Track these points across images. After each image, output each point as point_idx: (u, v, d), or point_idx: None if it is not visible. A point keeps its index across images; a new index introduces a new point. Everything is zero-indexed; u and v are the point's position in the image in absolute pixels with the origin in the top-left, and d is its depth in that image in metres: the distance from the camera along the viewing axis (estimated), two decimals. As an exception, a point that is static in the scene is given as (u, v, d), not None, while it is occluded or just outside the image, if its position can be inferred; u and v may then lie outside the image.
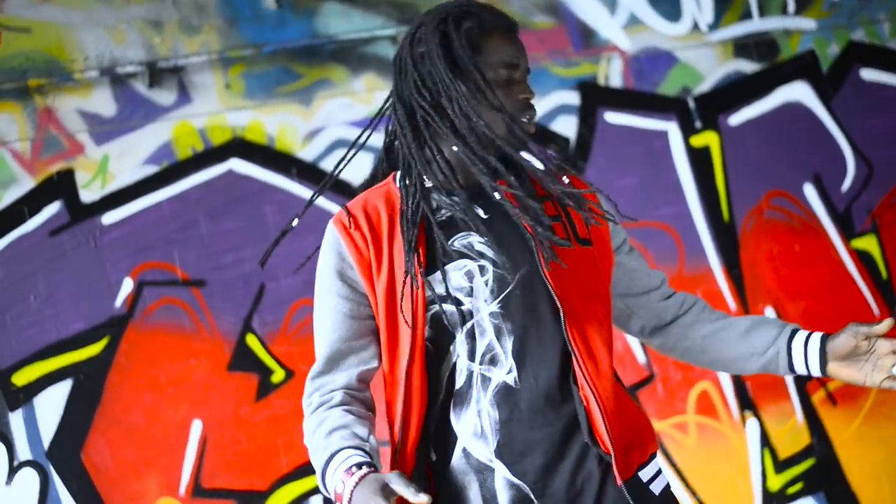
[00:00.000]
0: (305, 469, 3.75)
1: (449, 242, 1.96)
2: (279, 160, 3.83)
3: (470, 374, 1.95)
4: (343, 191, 3.69)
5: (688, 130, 4.06)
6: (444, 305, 1.92)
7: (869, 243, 4.16)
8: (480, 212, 2.00)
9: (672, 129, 4.06)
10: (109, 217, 3.72)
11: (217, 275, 3.74)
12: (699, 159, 4.05)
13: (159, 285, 3.71)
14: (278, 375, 3.75)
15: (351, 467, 1.80)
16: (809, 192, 4.13)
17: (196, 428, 3.68)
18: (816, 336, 2.03)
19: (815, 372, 2.04)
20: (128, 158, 3.74)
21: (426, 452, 1.98)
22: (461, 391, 1.96)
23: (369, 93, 3.89)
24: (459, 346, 1.95)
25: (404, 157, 2.02)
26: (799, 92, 4.18)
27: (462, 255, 1.96)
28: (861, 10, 4.27)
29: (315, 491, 3.76)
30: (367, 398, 2.01)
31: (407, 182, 2.00)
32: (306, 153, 3.85)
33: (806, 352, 2.05)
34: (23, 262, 3.69)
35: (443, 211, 1.99)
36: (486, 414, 1.94)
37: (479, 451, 1.95)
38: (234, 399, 3.72)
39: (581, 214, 1.98)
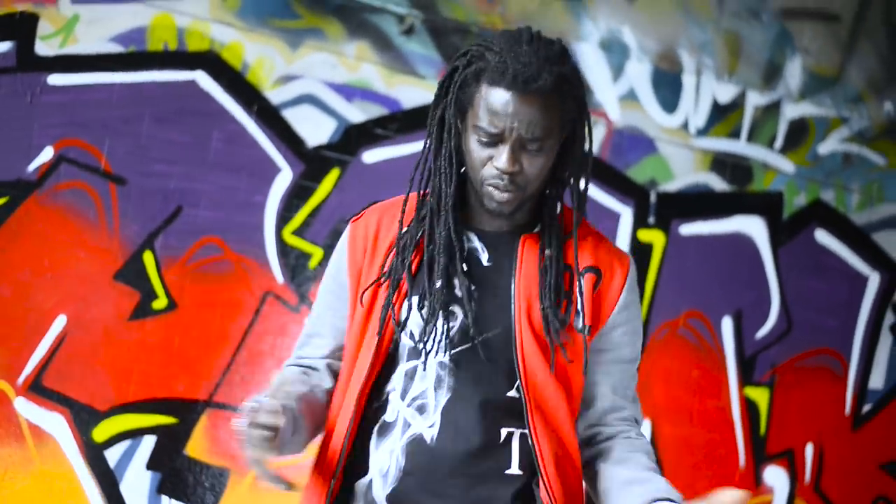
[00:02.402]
0: (148, 406, 4.69)
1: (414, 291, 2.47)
2: (245, 91, 4.82)
3: (397, 413, 2.42)
4: (294, 145, 4.80)
5: (639, 222, 5.20)
6: (401, 337, 2.44)
7: (761, 395, 5.40)
8: (484, 258, 2.50)
9: (626, 214, 5.20)
10: (56, 79, 4.61)
11: (140, 179, 4.65)
12: (639, 254, 5.19)
13: (79, 167, 4.61)
14: (161, 302, 4.67)
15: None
16: (726, 325, 5.35)
17: (59, 323, 4.59)
18: None
19: None
20: (97, 28, 4.62)
21: (339, 470, 2.46)
22: (387, 424, 2.45)
23: (357, 61, 4.87)
24: (396, 380, 2.45)
25: (433, 180, 2.54)
26: (754, 227, 5.45)
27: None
28: (838, 174, 5.57)
29: (148, 431, 4.61)
30: (330, 372, 2.63)
31: (436, 208, 2.49)
32: (274, 95, 4.82)
33: None
34: (-52, 88, 4.45)
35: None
36: (395, 457, 2.40)
37: (377, 490, 2.43)
38: (109, 309, 4.65)
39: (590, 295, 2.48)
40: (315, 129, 4.89)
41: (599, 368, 2.53)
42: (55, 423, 4.55)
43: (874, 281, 5.74)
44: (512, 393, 2.41)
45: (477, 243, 2.51)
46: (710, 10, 5.48)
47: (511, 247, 2.49)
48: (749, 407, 5.50)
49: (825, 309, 5.59)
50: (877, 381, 5.72)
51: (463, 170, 2.50)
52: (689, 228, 5.44)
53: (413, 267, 2.46)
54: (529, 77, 2.32)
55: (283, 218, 4.84)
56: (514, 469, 2.42)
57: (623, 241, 5.25)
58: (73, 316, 4.59)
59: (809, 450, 5.60)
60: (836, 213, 5.69)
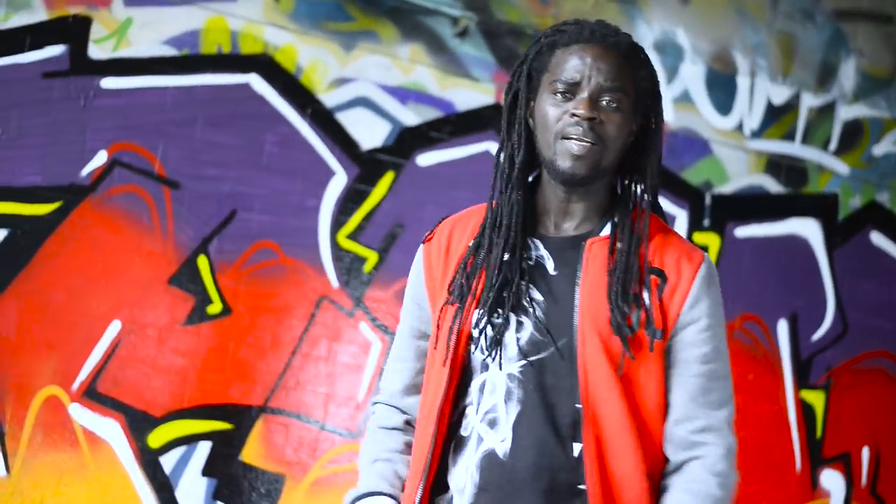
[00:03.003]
0: (203, 412, 4.60)
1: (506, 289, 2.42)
2: (299, 94, 4.75)
3: (472, 428, 2.38)
4: (348, 148, 4.70)
5: (695, 225, 5.13)
6: (472, 349, 2.40)
7: (817, 398, 5.31)
8: (550, 266, 2.42)
9: (681, 217, 5.12)
10: (110, 82, 4.55)
11: (194, 183, 4.58)
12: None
13: (133, 171, 4.57)
14: (215, 307, 4.61)
15: None
16: (782, 328, 5.26)
17: (113, 329, 4.53)
18: None
19: None
20: (151, 31, 4.57)
21: (422, 487, 2.41)
22: (462, 439, 2.40)
23: (411, 63, 4.80)
24: (472, 394, 2.39)
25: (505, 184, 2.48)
26: (809, 229, 5.35)
27: (508, 305, 2.39)
28: (893, 175, 5.49)
29: (203, 437, 4.55)
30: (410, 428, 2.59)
31: (504, 216, 2.44)
32: (328, 98, 4.75)
33: None
34: (2, 93, 4.38)
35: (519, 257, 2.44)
36: (470, 473, 2.35)
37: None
38: (163, 315, 4.59)
39: (666, 294, 2.37)
40: (369, 132, 4.83)
41: (675, 373, 2.39)
42: (110, 430, 4.49)
43: (929, 283, 5.67)
44: (579, 405, 2.32)
45: (542, 251, 2.43)
46: (764, 11, 5.40)
47: (576, 252, 2.40)
48: (805, 410, 5.41)
49: (881, 311, 5.52)
50: (931, 382, 5.66)
51: (529, 169, 2.47)
52: (744, 231, 5.36)
53: (480, 280, 2.40)
54: (606, 33, 2.38)
55: (338, 222, 4.78)
56: (584, 485, 2.32)
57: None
58: (128, 321, 4.54)
59: (866, 453, 5.53)
60: (891, 215, 5.63)
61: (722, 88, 5.35)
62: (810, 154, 5.49)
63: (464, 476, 2.35)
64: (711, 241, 5.28)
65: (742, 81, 5.38)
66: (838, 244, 5.51)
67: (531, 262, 2.41)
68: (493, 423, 2.32)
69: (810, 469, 5.43)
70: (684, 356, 2.38)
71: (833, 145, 5.53)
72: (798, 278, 5.45)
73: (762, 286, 5.32)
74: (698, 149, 5.29)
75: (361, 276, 4.78)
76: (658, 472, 2.38)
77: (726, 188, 5.35)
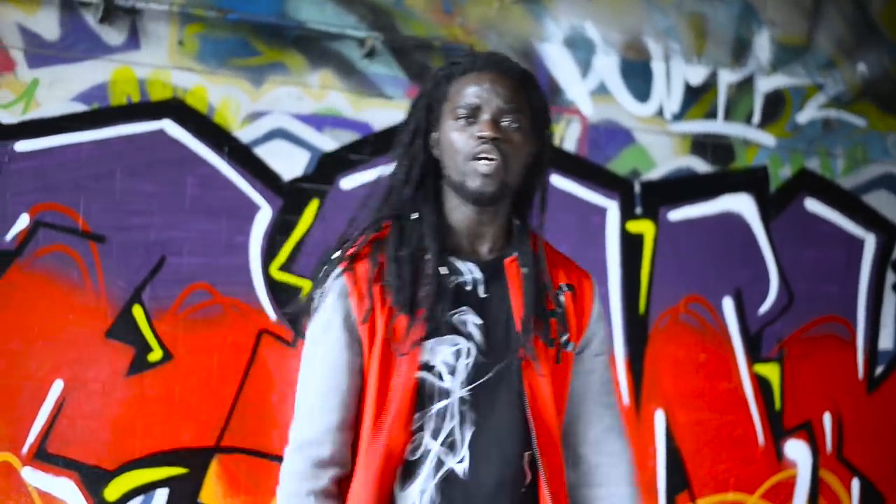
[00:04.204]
0: (157, 459, 4.57)
1: (448, 314, 2.46)
2: (214, 133, 4.73)
3: (427, 452, 2.42)
4: (270, 181, 4.66)
5: (627, 214, 5.10)
6: (427, 377, 2.42)
7: (771, 371, 5.29)
8: (482, 289, 2.51)
9: (612, 208, 5.11)
10: (24, 145, 4.54)
11: (120, 235, 4.56)
12: (631, 245, 5.14)
13: (57, 230, 4.53)
14: (156, 355, 4.59)
15: None
16: (728, 305, 5.24)
17: (56, 388, 4.50)
18: None
19: None
20: (58, 89, 4.55)
21: None
22: (412, 464, 2.43)
23: (322, 90, 4.79)
24: (427, 420, 2.42)
25: (416, 210, 2.55)
26: (743, 204, 5.34)
27: (454, 331, 2.45)
28: (821, 140, 5.47)
29: (159, 484, 4.52)
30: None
31: (417, 240, 2.51)
32: (244, 134, 4.74)
33: None
34: (-83, 167, 4.39)
35: (450, 277, 2.50)
36: (427, 496, 2.40)
37: None
38: (104, 368, 4.56)
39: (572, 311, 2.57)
40: (289, 163, 4.81)
41: (581, 379, 2.63)
42: (65, 489, 4.45)
43: (870, 243, 5.64)
44: (528, 419, 2.47)
45: (478, 273, 2.52)
46: (670, -6, 5.40)
47: (500, 275, 2.52)
48: (761, 384, 5.38)
49: (825, 276, 5.50)
50: (886, 341, 5.63)
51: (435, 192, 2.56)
52: (677, 214, 5.34)
53: (417, 308, 2.45)
54: (499, 61, 2.54)
55: (269, 255, 4.75)
56: (524, 487, 2.48)
57: (612, 235, 5.15)
58: (70, 379, 4.50)
59: (827, 419, 5.51)
60: (823, 180, 5.61)
61: (638, 76, 5.33)
62: (734, 130, 5.47)
63: (417, 500, 2.40)
64: (646, 228, 5.26)
65: (657, 66, 5.36)
66: (773, 216, 5.50)
67: (468, 287, 2.50)
68: (451, 446, 2.41)
69: (773, 442, 5.41)
70: (591, 365, 2.65)
71: (756, 118, 5.51)
72: (738, 254, 5.43)
73: (702, 266, 5.30)
74: (621, 139, 5.27)
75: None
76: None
77: (654, 174, 5.33)
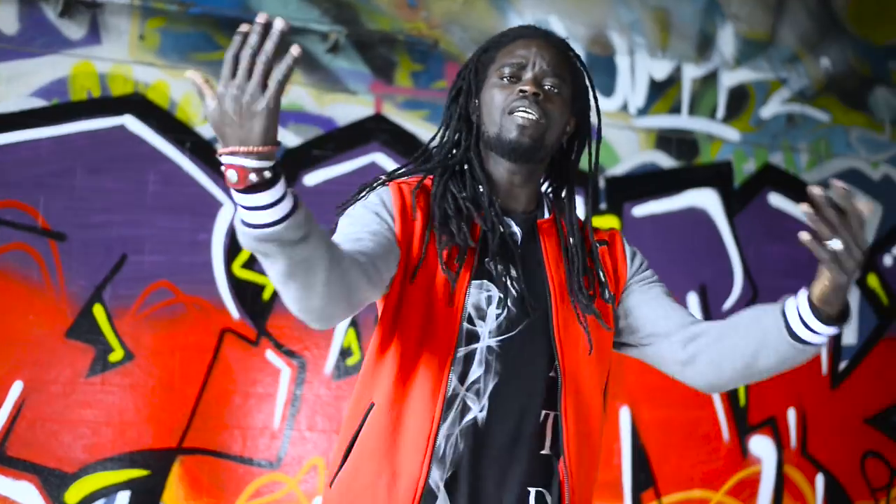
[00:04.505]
0: (118, 461, 4.53)
1: (487, 260, 2.44)
2: (176, 129, 4.66)
3: (455, 396, 2.39)
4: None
5: (591, 209, 5.02)
6: (462, 317, 2.40)
7: (736, 367, 5.24)
8: (518, 241, 2.51)
9: (577, 203, 5.01)
10: (-18, 141, 4.38)
11: (80, 232, 4.48)
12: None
13: (16, 227, 4.45)
14: (117, 355, 4.52)
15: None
16: (692, 300, 5.23)
17: (16, 390, 4.44)
18: (802, 297, 2.29)
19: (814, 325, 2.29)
20: (17, 84, 4.47)
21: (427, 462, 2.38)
22: (446, 404, 2.38)
23: (287, 85, 4.67)
24: (455, 363, 2.39)
25: (469, 168, 2.56)
26: (707, 199, 5.31)
27: (490, 277, 2.44)
28: (784, 135, 5.45)
29: (121, 486, 4.46)
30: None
31: (465, 187, 2.52)
32: (206, 130, 4.70)
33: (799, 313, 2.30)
34: None
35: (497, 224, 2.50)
36: (452, 441, 2.38)
37: (433, 473, 2.38)
38: (65, 369, 4.48)
39: (609, 264, 2.58)
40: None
41: (650, 302, 2.59)
42: (25, 492, 4.39)
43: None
44: (552, 374, 2.44)
45: (514, 227, 2.52)
46: (634, -13, 5.37)
47: (534, 231, 2.54)
48: (726, 380, 5.37)
49: (788, 271, 5.48)
50: (849, 336, 5.64)
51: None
52: (642, 209, 5.32)
53: (465, 251, 2.44)
54: (547, 32, 2.58)
55: (231, 252, 4.69)
56: (546, 450, 2.45)
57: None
58: (30, 381, 4.43)
59: (792, 414, 5.50)
60: (786, 175, 5.61)
61: (602, 70, 5.30)
62: (699, 125, 5.45)
63: (442, 444, 2.37)
64: (611, 223, 5.21)
65: (621, 61, 5.33)
66: (738, 210, 5.49)
67: (512, 237, 2.49)
68: (477, 393, 2.38)
69: (738, 438, 5.39)
70: (652, 289, 2.61)
71: (720, 113, 5.50)
72: (702, 249, 5.40)
73: (667, 262, 5.25)
74: (586, 133, 5.22)
75: (262, 304, 4.70)
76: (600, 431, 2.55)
77: (618, 169, 5.31)
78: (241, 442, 4.63)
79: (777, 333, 2.31)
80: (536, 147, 2.47)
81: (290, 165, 4.79)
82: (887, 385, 5.71)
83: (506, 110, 2.47)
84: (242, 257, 4.67)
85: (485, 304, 2.42)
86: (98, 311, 4.53)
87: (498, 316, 2.42)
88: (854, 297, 5.64)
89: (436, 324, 2.39)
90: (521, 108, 2.44)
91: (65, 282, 4.49)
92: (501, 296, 2.42)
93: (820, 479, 5.51)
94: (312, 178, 4.82)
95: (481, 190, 2.50)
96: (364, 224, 2.37)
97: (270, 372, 4.72)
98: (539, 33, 2.56)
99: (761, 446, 5.43)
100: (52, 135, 4.51)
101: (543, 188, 2.65)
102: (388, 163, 4.90)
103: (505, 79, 2.49)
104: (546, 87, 2.47)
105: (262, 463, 4.64)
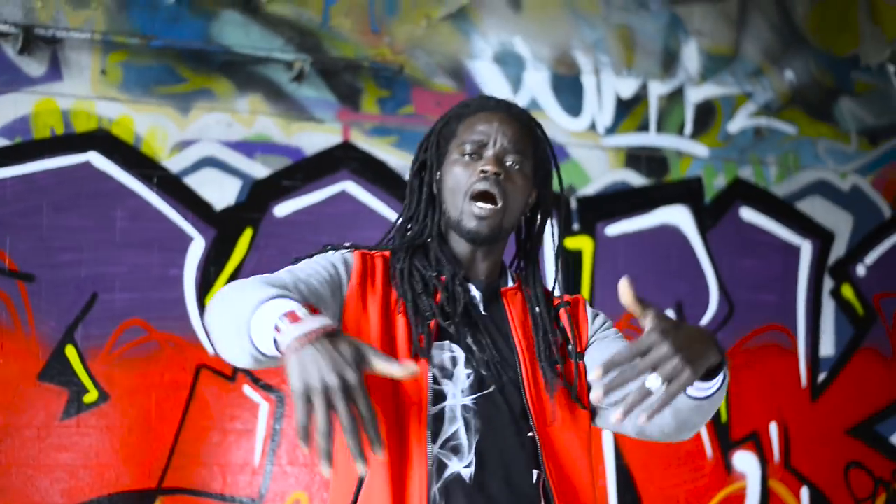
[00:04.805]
0: (97, 504, 4.38)
1: (448, 323, 2.45)
2: (142, 164, 4.59)
3: (428, 455, 2.37)
4: (201, 211, 4.45)
5: (564, 230, 5.01)
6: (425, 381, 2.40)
7: (715, 383, 5.21)
8: (481, 307, 2.54)
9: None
10: (-55, 183, 4.30)
11: (48, 273, 4.40)
12: (569, 263, 5.00)
13: (-17, 270, 4.30)
14: (91, 395, 4.45)
15: (293, 311, 2.03)
16: (669, 318, 5.15)
17: (-14, 434, 4.26)
18: None
19: None
20: (-22, 124, 4.35)
21: None
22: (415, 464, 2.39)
23: (252, 115, 4.68)
24: (429, 422, 2.39)
25: (434, 244, 2.58)
26: (679, 216, 5.30)
27: (452, 340, 2.45)
28: (752, 149, 5.46)
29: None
30: None
31: (444, 260, 2.54)
32: (172, 163, 4.61)
33: None
34: None
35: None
36: (431, 498, 2.35)
37: None
38: (38, 412, 4.41)
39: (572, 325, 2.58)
40: (220, 192, 4.70)
41: (608, 341, 2.58)
42: (2, 540, 4.31)
43: (806, 249, 5.64)
44: (531, 434, 2.45)
45: (475, 292, 2.55)
46: (597, 7, 5.34)
47: (497, 298, 2.56)
48: (706, 397, 5.34)
49: (763, 285, 5.48)
50: (827, 348, 5.63)
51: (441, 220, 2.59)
52: (614, 228, 5.29)
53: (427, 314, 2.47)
54: (510, 105, 2.58)
55: (204, 287, 4.62)
56: None
57: (549, 253, 5.09)
58: (2, 425, 4.33)
59: (773, 429, 5.48)
60: (756, 189, 5.60)
61: (568, 90, 5.29)
62: (667, 142, 5.44)
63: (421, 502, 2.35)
64: (584, 243, 5.19)
65: (587, 80, 5.31)
66: (710, 226, 5.47)
67: (471, 301, 2.52)
68: (456, 450, 2.38)
69: (721, 454, 5.36)
70: (606, 346, 2.55)
71: (688, 129, 5.49)
72: (676, 266, 5.38)
73: (641, 280, 5.17)
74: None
75: (237, 337, 4.63)
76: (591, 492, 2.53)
77: (589, 189, 5.28)
78: (221, 479, 4.55)
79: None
80: (495, 234, 2.51)
81: (259, 196, 4.74)
82: (866, 395, 5.70)
83: (467, 194, 2.48)
84: (214, 291, 4.58)
85: (450, 364, 2.43)
86: (70, 351, 4.44)
87: (469, 375, 2.43)
88: (829, 309, 5.64)
89: (404, 387, 2.39)
90: (480, 191, 2.45)
91: (35, 323, 4.40)
92: (468, 355, 2.44)
93: (805, 492, 5.49)
94: (282, 209, 4.76)
95: (444, 263, 2.52)
96: (318, 269, 2.41)
97: (249, 407, 4.64)
98: (501, 106, 2.58)
99: (745, 462, 5.39)
100: (16, 174, 4.43)
101: (507, 262, 2.68)
102: (357, 191, 4.86)
103: (466, 156, 2.51)
104: (507, 164, 2.49)
105: (243, 500, 4.57)
